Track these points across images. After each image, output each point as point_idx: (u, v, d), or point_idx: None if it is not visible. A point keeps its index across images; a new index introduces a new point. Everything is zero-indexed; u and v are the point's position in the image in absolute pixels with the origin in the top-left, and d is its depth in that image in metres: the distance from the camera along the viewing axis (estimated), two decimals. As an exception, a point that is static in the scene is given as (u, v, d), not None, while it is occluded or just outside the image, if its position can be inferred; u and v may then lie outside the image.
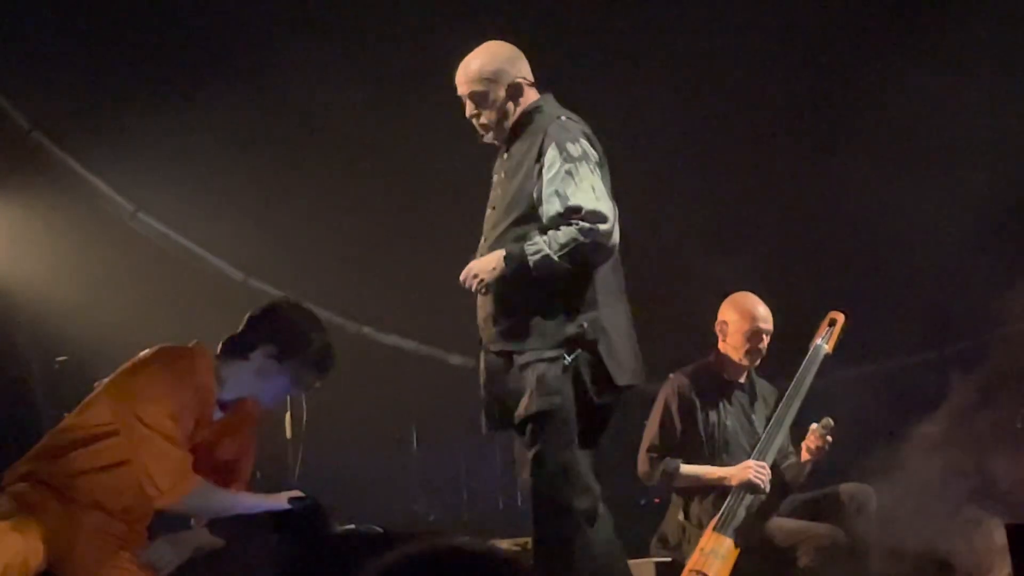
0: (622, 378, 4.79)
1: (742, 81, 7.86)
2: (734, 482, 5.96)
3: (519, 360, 4.69)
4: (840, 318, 6.28)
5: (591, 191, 4.62)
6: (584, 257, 4.63)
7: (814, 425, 5.97)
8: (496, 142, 4.91)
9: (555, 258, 4.58)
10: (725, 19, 7.74)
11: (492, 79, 4.80)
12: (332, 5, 7.49)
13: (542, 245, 4.58)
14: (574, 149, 4.67)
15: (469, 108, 4.86)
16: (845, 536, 5.79)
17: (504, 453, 8.44)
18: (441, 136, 7.17)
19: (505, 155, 4.87)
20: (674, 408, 6.14)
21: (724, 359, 6.23)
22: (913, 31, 7.65)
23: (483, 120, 4.84)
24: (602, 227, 4.62)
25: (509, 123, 4.83)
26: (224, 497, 4.58)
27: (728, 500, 5.93)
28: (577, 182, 4.61)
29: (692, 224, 7.87)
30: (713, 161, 8.02)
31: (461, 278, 4.70)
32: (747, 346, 6.13)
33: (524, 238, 4.66)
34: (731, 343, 6.18)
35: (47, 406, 6.70)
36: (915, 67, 7.50)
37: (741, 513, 5.90)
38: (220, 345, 4.65)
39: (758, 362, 6.21)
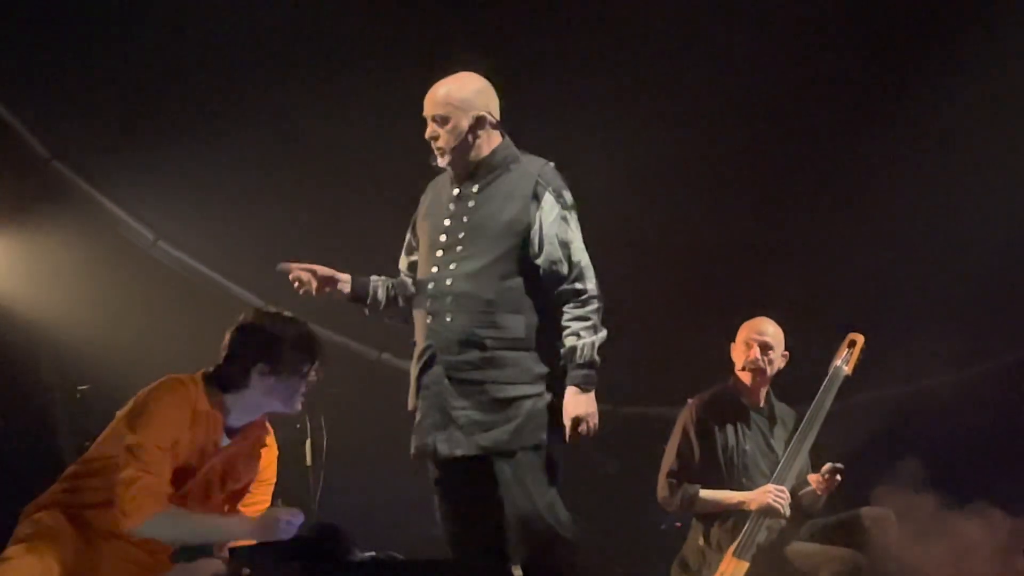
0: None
1: (759, 98, 7.85)
2: (753, 506, 5.96)
3: (498, 393, 4.72)
4: (860, 339, 6.28)
5: (580, 241, 4.81)
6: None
7: (824, 469, 5.98)
8: (452, 169, 4.94)
9: (598, 358, 4.75)
10: (740, 32, 7.74)
11: (457, 106, 4.86)
12: (349, 39, 7.51)
13: (588, 351, 4.72)
14: (568, 197, 4.84)
15: (429, 129, 4.91)
16: (866, 560, 5.77)
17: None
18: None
19: (474, 187, 4.90)
20: (692, 433, 6.15)
21: (741, 383, 6.24)
22: (941, 38, 7.63)
23: (440, 143, 4.89)
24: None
25: (471, 155, 4.89)
26: (197, 523, 4.54)
27: (748, 524, 5.92)
28: (572, 230, 4.80)
29: (711, 247, 7.86)
30: (730, 182, 8.01)
31: (581, 432, 4.74)
32: (744, 357, 6.16)
33: (509, 275, 4.76)
34: (735, 362, 6.22)
35: (70, 435, 6.73)
36: (938, 80, 7.48)
37: (761, 537, 5.89)
38: (215, 381, 4.64)
39: (761, 378, 6.21)
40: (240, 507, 4.85)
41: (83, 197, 7.41)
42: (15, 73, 7.17)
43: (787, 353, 6.27)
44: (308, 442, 6.40)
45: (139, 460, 4.42)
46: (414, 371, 4.94)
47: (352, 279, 5.09)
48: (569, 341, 4.72)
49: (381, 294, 5.11)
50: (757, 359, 6.16)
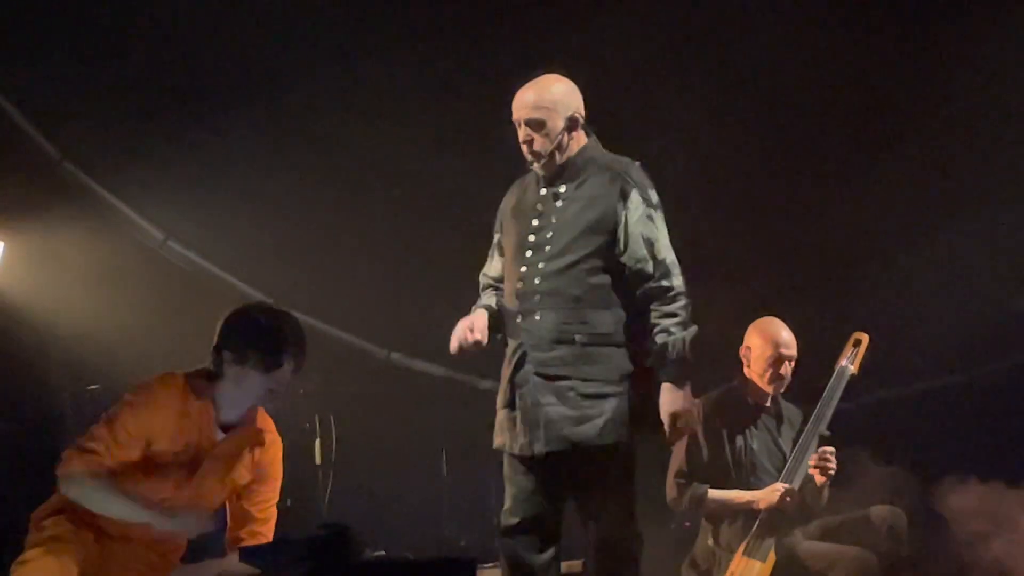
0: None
1: (764, 98, 7.85)
2: (762, 506, 5.96)
3: (586, 389, 4.74)
4: (865, 339, 6.27)
5: (667, 239, 4.82)
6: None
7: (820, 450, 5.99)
8: (543, 171, 4.95)
9: (690, 353, 4.74)
10: (746, 37, 7.74)
11: (552, 108, 4.88)
12: (363, 37, 7.52)
13: (680, 347, 4.72)
14: (653, 196, 4.87)
15: (523, 133, 4.91)
16: (877, 559, 5.77)
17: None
18: (467, 162, 7.21)
19: (562, 187, 4.92)
20: (700, 433, 6.14)
21: (749, 384, 6.24)
22: (950, 38, 7.63)
23: (536, 147, 4.90)
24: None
25: (562, 155, 4.91)
26: (118, 504, 4.48)
27: (757, 524, 5.93)
28: (658, 228, 4.82)
29: (715, 246, 7.85)
30: (735, 181, 8.00)
31: (680, 428, 4.76)
32: (770, 372, 6.15)
33: (597, 271, 4.78)
34: (755, 369, 6.19)
35: (79, 435, 6.74)
36: (946, 80, 7.48)
37: (770, 537, 5.90)
38: (205, 374, 4.65)
39: (783, 388, 6.22)
40: (248, 506, 4.85)
41: (93, 197, 7.42)
42: (26, 74, 7.18)
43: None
44: (317, 441, 6.41)
45: (101, 428, 4.47)
46: (506, 371, 4.94)
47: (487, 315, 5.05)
48: (660, 338, 4.72)
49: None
50: (786, 374, 6.16)
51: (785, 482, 5.98)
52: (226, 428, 4.67)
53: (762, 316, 6.31)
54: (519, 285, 4.90)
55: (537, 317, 4.82)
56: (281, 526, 5.01)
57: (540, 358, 4.81)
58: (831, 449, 5.96)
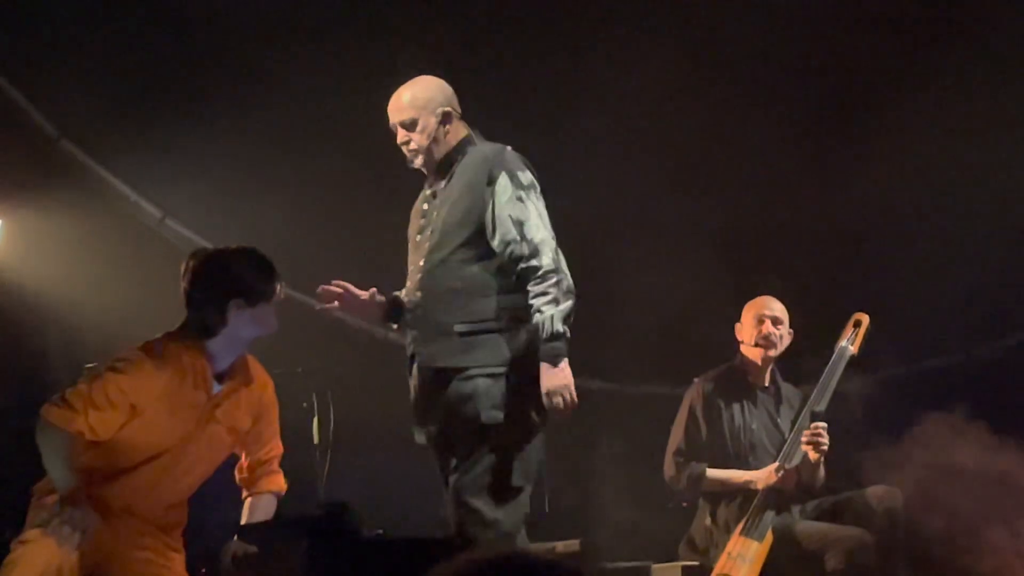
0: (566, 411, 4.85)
1: (763, 77, 7.85)
2: (760, 485, 5.97)
3: (464, 375, 4.77)
4: (865, 319, 6.29)
5: (539, 219, 4.82)
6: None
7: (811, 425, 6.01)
8: (424, 169, 5.06)
9: (562, 327, 4.71)
10: (740, 14, 7.73)
11: (423, 107, 4.98)
12: (367, 15, 7.51)
13: (550, 325, 4.70)
14: (524, 177, 4.87)
15: (400, 136, 5.02)
16: (873, 539, 5.78)
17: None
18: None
19: (442, 184, 5.01)
20: (699, 412, 6.17)
21: (747, 362, 6.26)
22: (948, 22, 7.61)
23: (413, 146, 5.00)
24: (570, 279, 4.80)
25: (441, 153, 5.00)
26: (52, 459, 4.47)
27: (755, 504, 5.94)
28: (529, 208, 4.81)
29: (717, 228, 7.86)
30: (737, 164, 8.00)
31: (560, 408, 4.74)
32: (755, 334, 6.18)
33: (472, 260, 4.83)
34: (745, 341, 6.24)
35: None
36: (947, 60, 7.47)
37: (768, 516, 5.91)
38: (193, 331, 4.67)
39: (772, 353, 6.22)
40: (256, 451, 4.93)
41: (91, 175, 7.41)
42: (23, 52, 7.17)
43: (792, 331, 6.29)
44: (315, 420, 6.40)
45: (83, 386, 4.49)
46: (407, 368, 5.02)
47: (388, 299, 5.14)
48: (535, 318, 4.73)
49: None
50: (771, 333, 6.18)
51: (783, 462, 5.99)
52: (218, 377, 4.70)
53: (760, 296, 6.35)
54: (409, 283, 5.01)
55: (420, 311, 4.91)
56: (279, 504, 5.02)
57: (425, 351, 4.88)
58: (823, 425, 5.97)
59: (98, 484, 4.54)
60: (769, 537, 5.87)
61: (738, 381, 6.26)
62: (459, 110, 5.06)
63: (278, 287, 4.75)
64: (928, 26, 7.66)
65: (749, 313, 6.29)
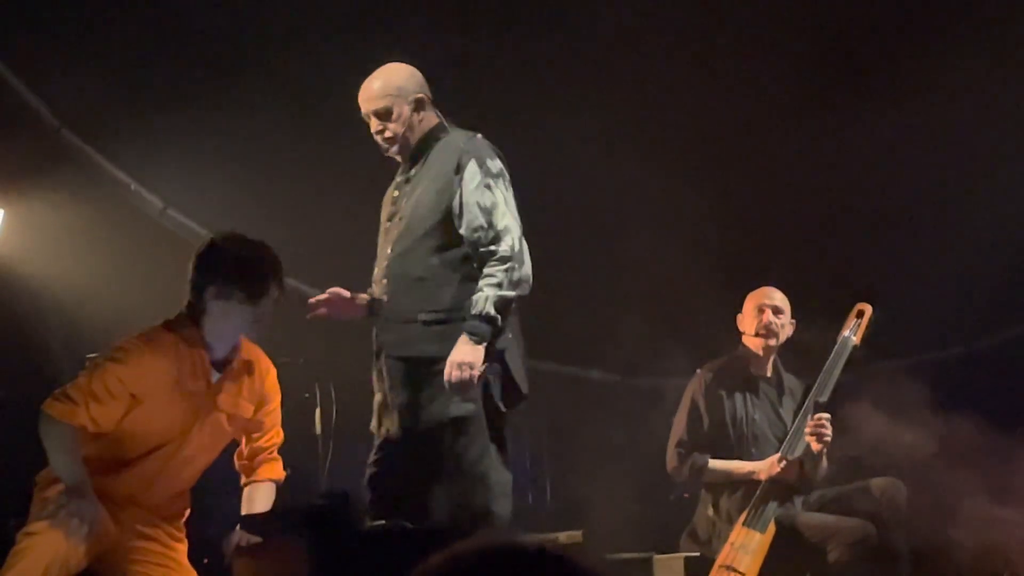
0: (526, 386, 4.91)
1: (769, 68, 7.82)
2: (763, 476, 5.96)
3: (429, 367, 4.79)
4: (868, 310, 6.27)
5: (506, 207, 4.84)
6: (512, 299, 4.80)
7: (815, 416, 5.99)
8: (399, 157, 5.08)
9: (494, 312, 4.71)
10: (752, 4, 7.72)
11: (396, 94, 5.01)
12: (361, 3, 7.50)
13: (481, 304, 4.71)
14: (492, 165, 4.89)
15: (374, 125, 5.05)
16: (876, 531, 5.77)
17: (533, 449, 8.46)
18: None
19: (411, 171, 5.04)
20: (701, 403, 6.16)
21: (748, 352, 6.25)
22: (951, 7, 7.60)
23: (388, 134, 5.03)
24: (525, 269, 4.81)
25: (414, 138, 5.03)
26: (61, 453, 4.48)
27: (757, 494, 5.93)
28: (497, 195, 4.83)
29: (719, 218, 7.84)
30: (740, 153, 7.99)
31: (453, 379, 4.71)
32: (755, 323, 6.17)
33: (439, 249, 4.86)
34: (746, 331, 6.23)
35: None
36: (951, 49, 7.45)
37: (771, 507, 5.90)
38: (189, 317, 4.65)
39: (773, 345, 6.21)
40: (257, 439, 4.92)
41: (92, 165, 7.40)
42: (25, 42, 7.15)
43: (794, 321, 6.28)
44: (318, 411, 6.39)
45: (83, 379, 4.50)
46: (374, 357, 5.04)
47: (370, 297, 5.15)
48: (474, 296, 4.75)
49: None
50: (771, 322, 6.17)
51: (786, 453, 5.98)
52: (217, 365, 4.68)
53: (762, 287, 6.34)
54: (376, 272, 5.05)
55: (387, 300, 4.94)
56: (281, 495, 5.02)
57: (391, 340, 4.92)
58: (826, 416, 5.96)
59: (101, 475, 4.54)
60: (771, 528, 5.86)
61: (740, 372, 6.25)
62: (431, 96, 5.07)
63: (262, 292, 4.61)
64: (934, 7, 7.64)
65: (750, 303, 6.29)
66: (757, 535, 5.82)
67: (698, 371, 6.33)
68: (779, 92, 7.84)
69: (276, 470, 4.99)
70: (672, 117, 7.60)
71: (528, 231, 4.97)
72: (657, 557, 6.20)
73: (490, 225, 4.79)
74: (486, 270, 4.76)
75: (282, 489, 5.01)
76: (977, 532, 5.91)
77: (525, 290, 4.80)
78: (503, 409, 4.85)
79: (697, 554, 6.11)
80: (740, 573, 5.74)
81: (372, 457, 5.04)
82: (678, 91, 7.65)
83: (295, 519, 4.64)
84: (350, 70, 7.37)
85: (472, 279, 4.81)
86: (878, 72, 7.79)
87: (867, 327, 6.22)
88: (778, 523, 5.88)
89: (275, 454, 4.99)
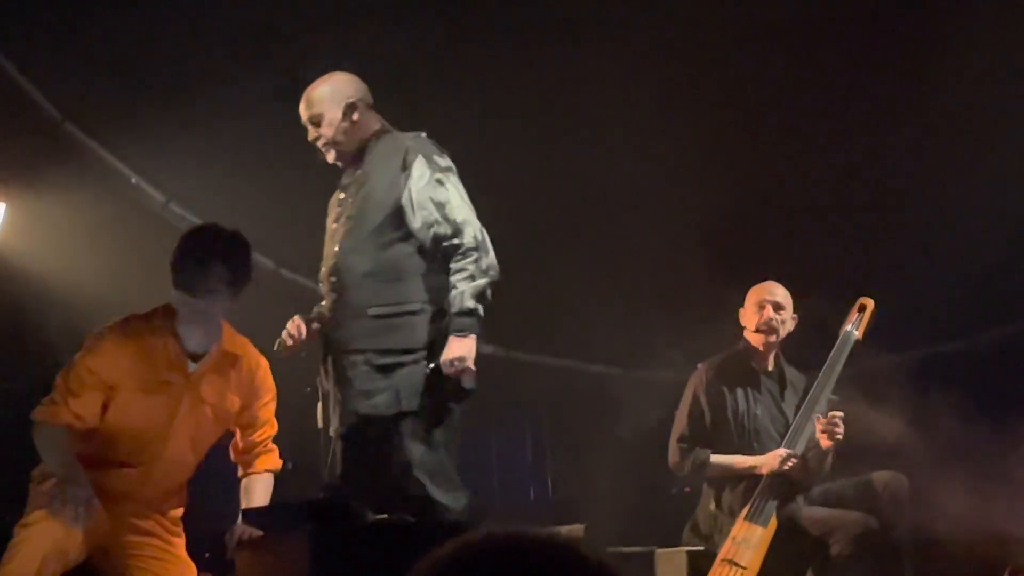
0: (470, 382, 4.88)
1: (769, 62, 7.81)
2: (765, 471, 5.96)
3: (378, 360, 4.80)
4: (870, 304, 6.27)
5: (460, 199, 4.89)
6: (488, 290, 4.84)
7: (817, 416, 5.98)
8: (339, 162, 5.15)
9: (473, 304, 4.76)
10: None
11: (327, 101, 5.09)
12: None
13: (461, 300, 4.76)
14: (441, 161, 4.96)
15: (310, 132, 5.13)
16: (878, 524, 5.77)
17: (534, 443, 8.46)
18: (475, 133, 7.18)
19: (357, 172, 5.07)
20: (703, 398, 6.15)
21: (750, 347, 6.24)
22: (952, 6, 7.60)
23: (321, 140, 5.10)
24: (491, 257, 4.85)
25: (352, 144, 5.09)
26: (52, 452, 4.54)
27: (759, 489, 5.93)
28: (449, 190, 4.88)
29: (720, 212, 7.83)
30: (740, 148, 7.98)
31: (448, 372, 4.76)
32: (756, 319, 6.16)
33: (386, 245, 4.88)
34: (748, 326, 6.22)
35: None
36: (951, 43, 7.44)
37: (772, 502, 5.89)
38: (164, 313, 4.68)
39: (774, 341, 6.21)
40: (250, 434, 4.95)
41: (95, 159, 7.40)
42: (27, 35, 7.15)
43: (796, 316, 6.27)
44: (319, 405, 6.40)
45: (60, 379, 4.56)
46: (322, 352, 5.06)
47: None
48: (450, 294, 4.80)
49: None
50: (772, 318, 6.16)
51: (788, 447, 5.98)
52: (198, 359, 4.69)
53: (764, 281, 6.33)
54: (323, 271, 5.07)
55: (335, 296, 4.96)
56: (283, 489, 5.02)
57: (339, 335, 4.93)
58: (840, 414, 5.94)
59: (95, 473, 4.56)
60: (773, 522, 5.86)
61: (742, 366, 6.24)
62: (369, 102, 5.14)
63: (195, 286, 4.58)
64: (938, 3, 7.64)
65: (751, 299, 6.28)
66: (759, 529, 5.82)
67: (699, 366, 6.32)
68: (779, 85, 7.83)
69: (273, 460, 5.00)
70: (673, 111, 7.59)
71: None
72: (659, 551, 6.20)
73: (447, 220, 4.83)
74: (454, 265, 4.81)
75: (284, 483, 5.01)
76: (978, 525, 5.91)
77: (495, 276, 4.85)
78: (450, 404, 4.86)
79: (699, 548, 6.11)
80: (742, 567, 5.73)
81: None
82: (679, 84, 7.64)
83: (297, 513, 4.65)
84: (357, 60, 7.40)
85: (422, 275, 4.87)
86: (881, 65, 7.78)
87: (869, 321, 6.22)
88: (780, 517, 5.88)
89: (270, 445, 5.02)
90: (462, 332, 4.74)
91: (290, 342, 4.99)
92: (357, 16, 7.48)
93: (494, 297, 4.92)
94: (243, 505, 4.92)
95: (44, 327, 7.13)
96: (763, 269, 6.54)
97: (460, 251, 4.81)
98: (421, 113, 7.36)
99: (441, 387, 4.81)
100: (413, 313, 4.83)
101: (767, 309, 6.19)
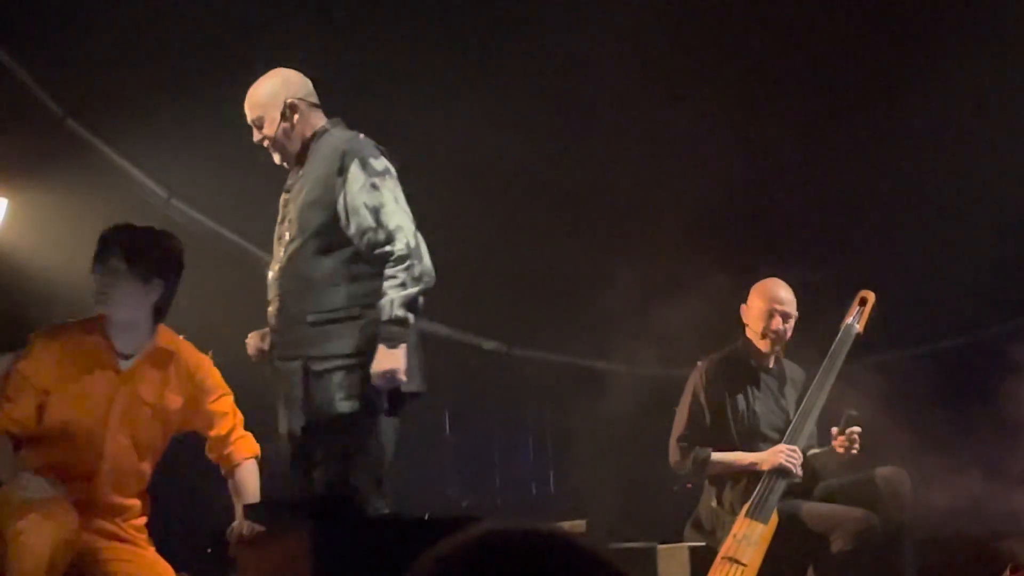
0: (418, 383, 4.87)
1: (770, 54, 7.82)
2: (765, 467, 5.95)
3: (316, 366, 4.77)
4: (871, 297, 6.25)
5: (395, 203, 4.81)
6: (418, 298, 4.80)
7: (834, 429, 5.96)
8: (285, 163, 5.11)
9: (402, 313, 4.69)
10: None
11: (266, 102, 5.06)
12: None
13: (390, 308, 4.69)
14: (377, 164, 4.87)
15: (255, 135, 5.10)
16: (879, 521, 5.77)
17: (536, 440, 8.47)
18: (475, 131, 7.19)
19: (299, 173, 5.03)
20: (702, 396, 6.14)
21: (750, 345, 6.23)
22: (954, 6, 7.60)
23: (265, 142, 5.08)
24: (425, 264, 4.79)
25: (295, 144, 5.05)
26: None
27: (760, 485, 5.92)
28: (384, 194, 4.81)
29: (720, 206, 7.84)
30: (740, 142, 7.98)
31: (383, 385, 4.71)
32: (763, 326, 6.14)
33: (324, 250, 4.84)
34: (752, 327, 6.20)
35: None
36: (955, 43, 7.45)
37: (773, 498, 5.89)
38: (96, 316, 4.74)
39: (779, 346, 6.20)
40: (213, 431, 5.00)
41: (97, 155, 7.40)
42: (29, 31, 7.15)
43: (796, 314, 6.26)
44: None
45: (3, 382, 4.65)
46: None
47: None
48: (380, 302, 4.73)
49: None
50: (780, 329, 6.14)
51: (789, 443, 5.98)
52: (126, 357, 4.74)
53: (767, 278, 6.31)
54: (270, 275, 5.03)
55: (277, 304, 4.93)
56: (285, 486, 5.02)
57: (280, 341, 4.91)
58: (858, 429, 5.92)
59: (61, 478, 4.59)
60: (774, 519, 5.86)
61: (742, 363, 6.23)
62: (312, 100, 5.11)
63: (96, 260, 4.86)
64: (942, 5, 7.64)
65: (758, 300, 6.20)
66: (760, 526, 5.81)
67: (698, 363, 6.30)
68: (784, 77, 7.84)
69: (249, 446, 5.04)
70: (674, 105, 7.59)
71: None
72: (661, 547, 6.21)
73: (381, 225, 4.76)
74: (386, 271, 4.74)
75: (286, 479, 5.01)
76: (980, 522, 5.92)
77: (429, 283, 4.79)
78: (387, 407, 4.82)
79: (701, 544, 6.11)
80: (743, 565, 5.73)
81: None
82: (684, 77, 7.64)
83: (299, 508, 4.65)
84: (358, 55, 7.41)
85: (360, 280, 4.82)
86: (886, 63, 7.79)
87: (870, 314, 6.21)
88: (781, 514, 5.88)
89: (241, 432, 5.05)
90: (391, 342, 4.67)
91: (255, 354, 5.01)
92: (358, 11, 7.49)
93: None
94: (236, 502, 4.92)
95: (46, 323, 7.14)
96: (766, 263, 6.54)
97: (392, 258, 4.73)
98: (424, 100, 7.42)
99: (378, 392, 4.75)
100: (353, 318, 4.78)
101: (776, 319, 6.14)
